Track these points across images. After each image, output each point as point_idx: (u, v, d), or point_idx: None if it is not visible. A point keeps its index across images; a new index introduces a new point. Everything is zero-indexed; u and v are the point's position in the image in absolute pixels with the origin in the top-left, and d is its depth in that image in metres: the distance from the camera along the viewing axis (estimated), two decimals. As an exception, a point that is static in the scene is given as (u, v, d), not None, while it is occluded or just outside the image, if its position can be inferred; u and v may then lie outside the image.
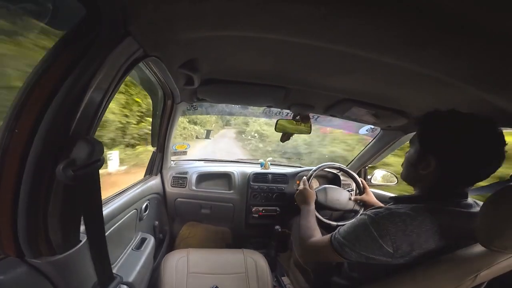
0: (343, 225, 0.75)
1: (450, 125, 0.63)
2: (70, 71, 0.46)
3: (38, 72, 0.45)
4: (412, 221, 0.61)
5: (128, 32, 0.53)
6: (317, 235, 0.86)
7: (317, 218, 1.27)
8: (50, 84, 0.45)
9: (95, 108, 0.52)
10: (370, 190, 1.46)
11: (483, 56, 0.56)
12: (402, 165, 0.77)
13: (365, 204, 1.41)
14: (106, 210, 0.90)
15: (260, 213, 1.75)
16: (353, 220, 0.71)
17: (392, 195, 1.65)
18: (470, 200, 0.68)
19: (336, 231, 0.74)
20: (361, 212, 1.43)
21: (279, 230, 1.70)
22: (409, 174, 0.73)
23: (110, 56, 0.51)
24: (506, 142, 0.60)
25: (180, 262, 1.21)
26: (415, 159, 0.69)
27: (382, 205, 1.35)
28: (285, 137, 1.67)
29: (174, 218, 1.82)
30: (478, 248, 0.57)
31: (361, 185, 1.47)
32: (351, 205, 1.47)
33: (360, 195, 1.44)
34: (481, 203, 0.69)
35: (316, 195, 1.37)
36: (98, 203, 0.52)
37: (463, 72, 0.66)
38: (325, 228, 1.37)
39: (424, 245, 0.60)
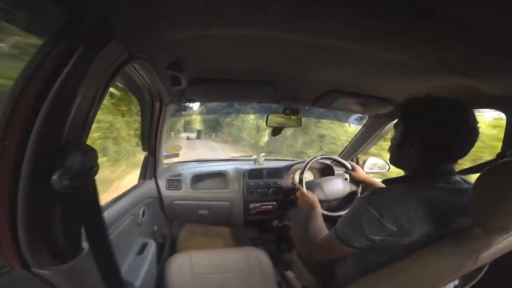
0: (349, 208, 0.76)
1: (427, 107, 0.70)
2: (55, 79, 0.45)
3: (22, 81, 0.44)
4: (407, 198, 0.63)
5: (112, 35, 0.52)
6: (324, 234, 0.88)
7: (325, 216, 1.28)
8: (36, 92, 0.44)
9: (84, 115, 0.51)
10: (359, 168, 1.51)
11: (459, 44, 0.58)
12: (389, 149, 0.81)
13: (357, 180, 1.46)
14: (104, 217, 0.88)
15: (257, 209, 1.76)
16: (350, 207, 0.73)
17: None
18: (458, 177, 0.71)
19: (337, 223, 0.75)
20: (359, 190, 1.47)
21: (278, 225, 1.72)
22: (396, 156, 0.78)
23: (95, 60, 0.49)
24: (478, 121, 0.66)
25: (184, 265, 1.21)
26: (400, 141, 0.74)
27: (371, 179, 1.39)
28: (276, 131, 1.69)
29: (173, 221, 1.81)
30: (477, 230, 0.57)
31: (349, 165, 1.51)
32: (348, 188, 1.50)
33: (350, 174, 1.50)
34: (469, 180, 0.72)
35: (316, 195, 1.37)
36: (97, 209, 0.52)
37: (442, 60, 0.68)
38: (331, 222, 1.39)
39: (423, 221, 0.61)
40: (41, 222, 0.45)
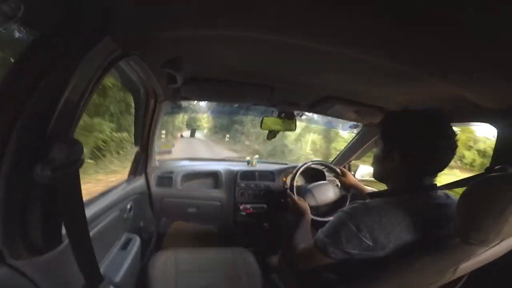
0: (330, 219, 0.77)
1: (405, 122, 0.72)
2: (46, 71, 0.45)
3: (13, 72, 0.44)
4: (386, 213, 0.64)
5: (106, 31, 0.52)
6: (307, 242, 0.88)
7: (316, 221, 1.27)
8: (25, 84, 0.44)
9: (73, 108, 0.51)
10: (349, 173, 1.51)
11: (454, 55, 0.59)
12: (372, 164, 0.83)
13: (346, 185, 1.46)
14: (88, 211, 0.87)
15: (248, 211, 1.76)
16: (332, 218, 0.74)
17: (373, 189, 1.72)
18: (440, 192, 0.72)
19: (319, 232, 0.76)
20: (349, 196, 1.47)
21: (267, 227, 1.71)
22: (378, 170, 0.80)
23: (87, 55, 0.50)
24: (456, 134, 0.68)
25: (168, 262, 1.20)
26: (381, 156, 0.76)
27: (360, 184, 1.39)
28: (271, 135, 1.69)
29: (161, 218, 1.80)
30: (457, 241, 0.58)
31: (338, 170, 1.51)
32: (339, 193, 1.51)
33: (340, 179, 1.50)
34: (452, 194, 0.73)
35: (307, 202, 1.38)
36: (79, 203, 0.51)
37: (437, 70, 0.69)
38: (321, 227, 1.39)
39: (400, 236, 0.62)
40: (19, 211, 0.45)
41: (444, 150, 0.67)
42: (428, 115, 0.69)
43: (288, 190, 1.41)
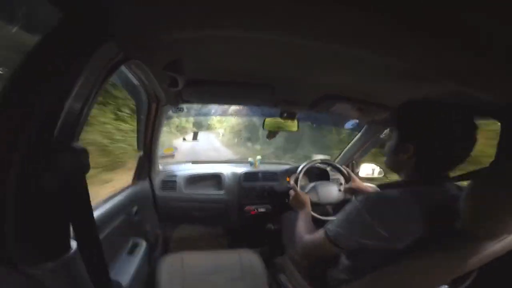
0: (343, 209, 0.76)
1: (424, 112, 0.68)
2: (48, 77, 0.45)
3: (15, 79, 0.44)
4: (402, 204, 0.63)
5: (107, 35, 0.52)
6: (312, 232, 0.88)
7: (315, 218, 1.29)
8: (28, 91, 0.44)
9: (77, 114, 0.51)
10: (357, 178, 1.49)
11: (457, 50, 0.58)
12: (384, 154, 0.80)
13: (354, 191, 1.44)
14: (95, 216, 0.88)
15: (252, 212, 1.75)
16: (345, 208, 0.72)
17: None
18: (450, 184, 0.71)
19: (329, 223, 0.75)
20: (353, 199, 1.46)
21: (272, 228, 1.71)
22: (391, 161, 0.77)
23: (89, 60, 0.50)
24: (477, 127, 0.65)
25: (175, 265, 1.20)
26: (395, 146, 0.73)
27: (370, 189, 1.39)
28: (272, 134, 1.69)
29: (166, 222, 1.80)
30: (466, 236, 0.58)
31: (347, 174, 1.50)
32: (342, 196, 1.50)
33: (347, 184, 1.48)
34: (464, 187, 0.73)
35: (309, 197, 1.38)
36: (87, 209, 0.51)
37: (439, 66, 0.69)
38: (321, 226, 1.39)
39: (415, 228, 0.61)
40: (28, 219, 0.45)
41: (462, 145, 0.65)
42: (449, 106, 0.66)
43: (292, 182, 1.40)
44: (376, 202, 0.65)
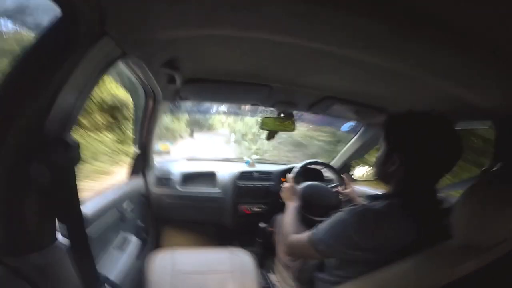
0: (330, 217, 0.77)
1: (408, 124, 0.70)
2: (43, 71, 0.45)
3: (11, 71, 0.44)
4: (386, 217, 0.64)
5: (104, 31, 0.52)
6: (297, 232, 0.89)
7: (303, 215, 1.30)
8: (22, 84, 0.44)
9: (70, 108, 0.51)
10: (353, 185, 1.51)
11: (454, 54, 0.59)
12: (373, 165, 0.82)
13: (347, 197, 1.46)
14: (86, 210, 0.87)
15: (246, 211, 1.76)
16: (331, 217, 0.74)
17: (373, 190, 1.72)
18: (440, 196, 0.72)
19: (314, 228, 0.76)
20: (344, 204, 1.47)
21: (265, 227, 1.71)
22: (379, 172, 0.79)
23: (85, 56, 0.49)
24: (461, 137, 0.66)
25: (166, 262, 1.20)
26: (383, 157, 0.74)
27: (360, 199, 1.41)
28: (270, 135, 1.69)
29: (159, 218, 1.79)
30: (454, 243, 0.58)
31: (342, 178, 1.52)
32: (334, 200, 1.51)
33: (341, 188, 1.51)
34: (452, 199, 0.73)
35: (301, 192, 1.39)
36: (76, 202, 0.51)
37: (436, 70, 0.69)
38: (311, 225, 1.40)
39: (399, 239, 0.62)
40: (14, 209, 0.45)
41: (447, 155, 0.66)
42: (432, 118, 0.67)
43: (287, 174, 1.41)
44: (360, 214, 0.66)
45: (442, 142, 0.65)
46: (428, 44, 0.57)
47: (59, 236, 0.54)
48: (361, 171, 1.84)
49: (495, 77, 0.65)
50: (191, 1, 0.51)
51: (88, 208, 0.90)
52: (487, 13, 0.44)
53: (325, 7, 0.49)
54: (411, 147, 0.67)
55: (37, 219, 0.48)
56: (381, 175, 0.79)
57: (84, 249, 0.54)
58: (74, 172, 0.50)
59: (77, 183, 0.51)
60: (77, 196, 0.52)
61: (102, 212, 0.98)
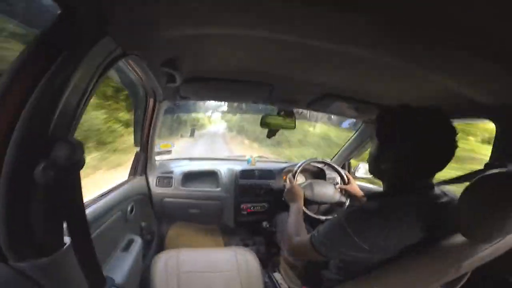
0: (329, 219, 0.77)
1: (401, 120, 0.67)
2: (45, 72, 0.44)
3: (12, 72, 0.43)
4: (383, 217, 0.64)
5: (105, 31, 0.51)
6: (302, 234, 0.89)
7: (306, 214, 1.30)
8: (24, 85, 0.43)
9: (73, 109, 0.51)
10: (355, 183, 1.51)
11: (454, 50, 0.58)
12: (367, 160, 0.81)
13: (349, 195, 1.46)
14: (90, 212, 0.87)
15: (248, 210, 1.76)
16: (330, 219, 0.74)
17: (375, 186, 1.72)
18: (437, 190, 0.71)
19: (315, 230, 0.76)
20: (347, 203, 1.48)
21: (267, 226, 1.72)
22: (373, 168, 0.78)
23: (86, 56, 0.49)
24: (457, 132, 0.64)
25: (170, 262, 1.20)
26: (376, 153, 0.73)
27: (360, 194, 1.41)
28: (271, 133, 1.69)
29: (162, 218, 1.79)
30: (459, 239, 0.57)
31: (345, 177, 1.52)
32: (337, 197, 1.51)
33: (344, 185, 1.51)
34: (450, 192, 0.73)
35: (303, 191, 1.39)
36: (80, 204, 0.51)
37: (436, 66, 0.69)
38: (314, 223, 1.41)
39: (399, 238, 0.62)
40: (21, 214, 0.44)
41: (442, 150, 0.64)
42: (425, 112, 0.65)
43: (289, 175, 1.41)
44: (358, 216, 0.67)
45: (435, 138, 0.63)
46: (428, 41, 0.57)
47: (66, 239, 0.54)
48: (362, 168, 1.85)
49: (496, 74, 0.65)
50: (191, 1, 0.51)
51: (92, 209, 0.90)
52: (486, 10, 0.44)
53: (325, 5, 0.49)
54: (402, 143, 0.65)
55: (45, 223, 0.47)
56: (374, 171, 0.78)
57: (89, 252, 0.54)
58: (78, 173, 0.50)
59: (81, 184, 0.51)
60: (81, 198, 0.51)
61: (106, 213, 0.98)
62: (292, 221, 1.00)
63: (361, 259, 0.66)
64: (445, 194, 0.71)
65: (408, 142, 0.64)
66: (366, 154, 1.99)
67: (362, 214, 0.67)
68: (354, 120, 1.80)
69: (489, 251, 0.60)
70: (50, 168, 0.43)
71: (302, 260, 1.10)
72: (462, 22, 0.48)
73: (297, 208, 1.10)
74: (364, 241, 0.63)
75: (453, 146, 0.64)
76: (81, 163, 0.49)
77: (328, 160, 1.72)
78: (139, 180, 1.51)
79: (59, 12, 0.45)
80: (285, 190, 1.29)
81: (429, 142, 0.63)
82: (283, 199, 1.32)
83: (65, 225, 0.51)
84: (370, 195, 0.79)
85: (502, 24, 0.47)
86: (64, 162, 0.45)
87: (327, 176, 1.82)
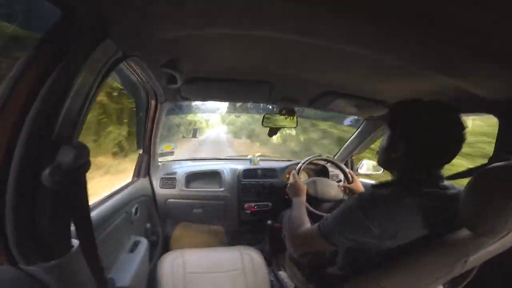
0: (338, 207, 0.77)
1: (413, 112, 0.69)
2: (47, 76, 0.45)
3: (15, 77, 0.43)
4: (394, 203, 0.64)
5: (106, 33, 0.52)
6: (307, 225, 0.89)
7: (309, 210, 1.30)
8: (28, 89, 0.44)
9: (76, 112, 0.51)
10: (358, 180, 1.50)
11: (454, 47, 0.58)
12: (377, 152, 0.82)
13: (353, 193, 1.45)
14: (96, 214, 0.88)
15: (252, 209, 1.76)
16: (340, 206, 0.74)
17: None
18: (447, 182, 0.71)
19: (324, 218, 0.76)
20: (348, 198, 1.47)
21: (272, 224, 1.72)
22: (382, 158, 0.79)
23: (88, 59, 0.50)
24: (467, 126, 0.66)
25: (176, 263, 1.21)
26: (387, 144, 0.74)
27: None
28: (273, 131, 1.69)
29: (166, 219, 1.80)
30: (465, 233, 0.57)
31: (349, 175, 1.51)
32: (340, 195, 1.50)
33: (347, 183, 1.49)
34: (458, 185, 0.73)
35: (306, 188, 1.39)
36: (86, 207, 0.52)
37: (436, 62, 0.69)
38: (317, 220, 1.40)
39: (408, 226, 0.62)
40: (30, 218, 0.45)
41: (450, 143, 0.66)
42: (436, 106, 0.67)
43: (293, 171, 1.41)
44: (369, 200, 0.67)
45: (446, 132, 0.65)
46: (428, 38, 0.57)
47: (74, 241, 0.54)
48: (366, 165, 1.85)
49: (496, 67, 0.65)
50: (191, 2, 0.52)
51: (98, 211, 0.91)
52: (487, 9, 0.44)
53: (325, 5, 0.49)
54: (416, 134, 0.67)
55: (53, 226, 0.48)
56: (385, 162, 0.79)
57: (93, 254, 0.55)
58: (84, 176, 0.50)
59: (86, 187, 0.51)
60: (87, 201, 0.52)
61: (111, 216, 0.99)
62: (296, 214, 0.99)
63: (369, 249, 0.66)
64: (453, 186, 0.72)
65: (418, 134, 0.66)
66: (367, 152, 1.99)
67: (374, 199, 0.67)
68: (356, 117, 1.79)
69: (496, 245, 0.60)
70: (57, 172, 0.43)
71: (305, 257, 1.09)
72: (463, 21, 0.48)
73: (300, 202, 1.09)
74: (375, 225, 0.63)
75: (461, 140, 0.66)
76: (86, 166, 0.50)
77: (331, 158, 1.72)
78: (142, 182, 1.52)
79: (59, 15, 0.46)
80: (288, 185, 1.28)
81: (438, 135, 0.65)
82: (286, 196, 1.31)
83: (72, 228, 0.52)
84: (381, 184, 0.79)
85: (502, 24, 0.47)
86: (69, 165, 0.45)
87: (330, 173, 1.82)
